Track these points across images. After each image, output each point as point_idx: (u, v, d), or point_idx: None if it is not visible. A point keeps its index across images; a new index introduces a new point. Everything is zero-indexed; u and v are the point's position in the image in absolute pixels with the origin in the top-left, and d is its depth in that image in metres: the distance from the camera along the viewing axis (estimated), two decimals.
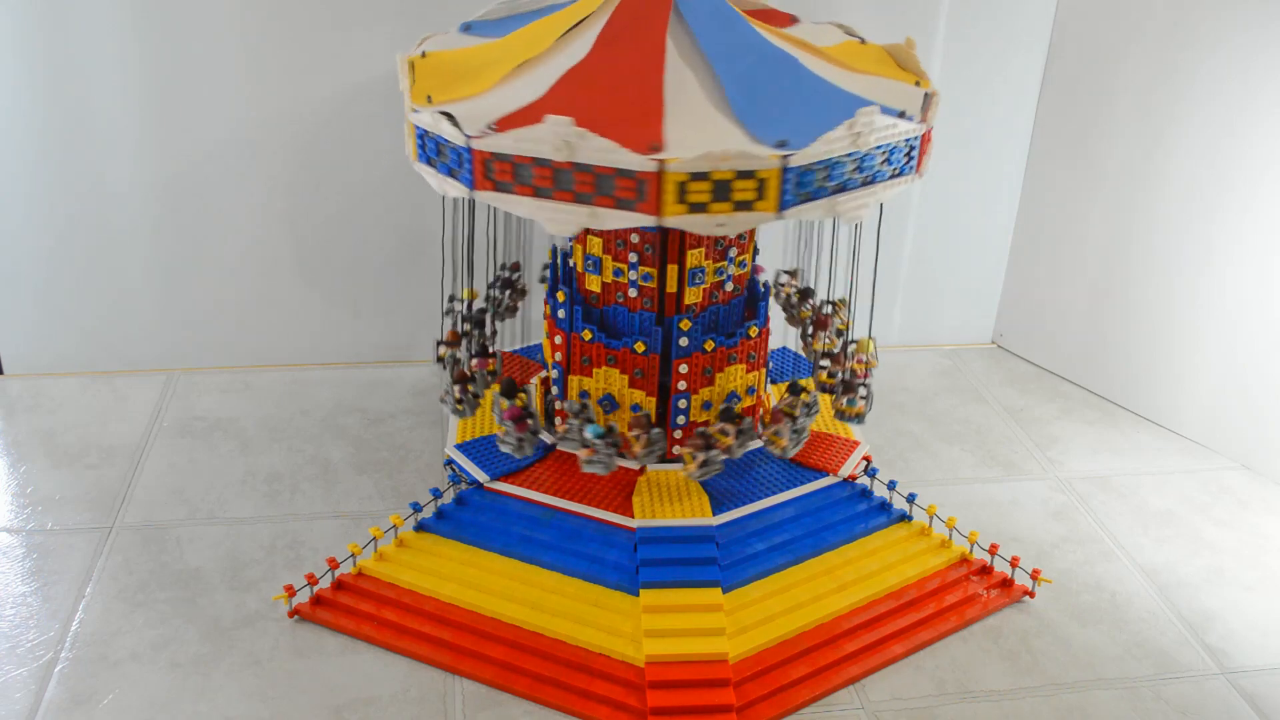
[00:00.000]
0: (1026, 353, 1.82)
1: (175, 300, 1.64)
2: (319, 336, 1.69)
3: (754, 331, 1.28)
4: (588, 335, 1.25)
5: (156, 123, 1.54)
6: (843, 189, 1.07)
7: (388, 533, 1.25)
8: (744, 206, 1.02)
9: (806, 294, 1.46)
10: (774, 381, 1.52)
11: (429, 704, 1.10)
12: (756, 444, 1.34)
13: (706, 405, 1.28)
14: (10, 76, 1.48)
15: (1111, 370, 1.69)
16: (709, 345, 1.25)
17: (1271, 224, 1.46)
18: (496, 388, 1.24)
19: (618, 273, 1.24)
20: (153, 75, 1.51)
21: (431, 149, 1.10)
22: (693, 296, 1.25)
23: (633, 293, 1.24)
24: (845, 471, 1.34)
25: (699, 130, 1.07)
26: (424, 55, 1.23)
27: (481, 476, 1.30)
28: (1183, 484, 1.50)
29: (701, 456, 1.19)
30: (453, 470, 1.33)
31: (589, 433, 1.19)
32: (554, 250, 1.42)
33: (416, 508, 1.27)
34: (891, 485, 1.34)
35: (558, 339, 1.28)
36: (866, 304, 1.28)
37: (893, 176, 1.12)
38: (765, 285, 1.36)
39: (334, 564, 1.21)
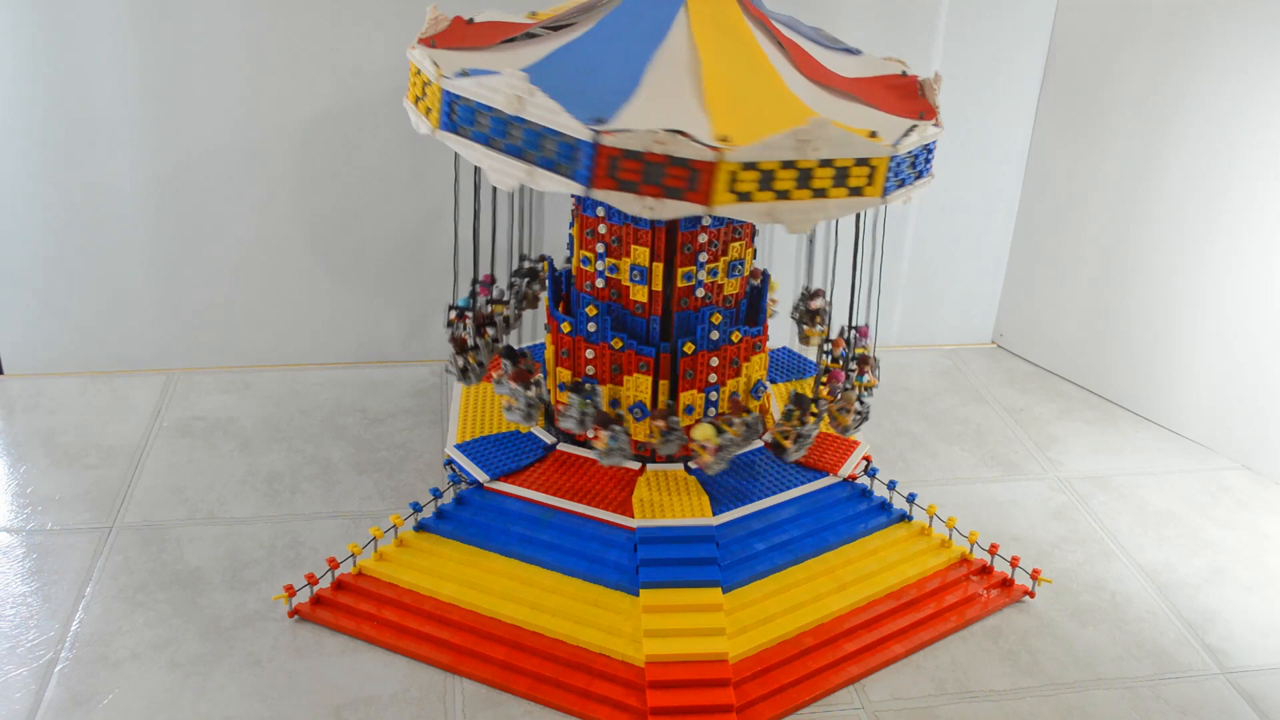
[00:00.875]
0: (1026, 353, 1.82)
1: (175, 300, 1.64)
2: (319, 336, 1.69)
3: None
4: (618, 344, 1.25)
5: (156, 122, 1.54)
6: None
7: (388, 533, 1.25)
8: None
9: (816, 313, 1.46)
10: (773, 381, 1.52)
11: (429, 704, 1.10)
12: (755, 444, 1.34)
13: (734, 395, 1.30)
14: (10, 76, 1.48)
15: (1111, 370, 1.69)
16: (736, 336, 1.26)
17: (1271, 224, 1.47)
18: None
19: (613, 269, 1.25)
20: (152, 75, 1.51)
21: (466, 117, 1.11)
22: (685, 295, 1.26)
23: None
24: (845, 471, 1.34)
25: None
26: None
27: (481, 476, 1.30)
28: (1183, 484, 1.50)
29: (713, 446, 1.19)
30: (453, 470, 1.33)
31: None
32: (549, 262, 1.43)
33: (416, 508, 1.27)
34: (891, 485, 1.34)
35: (589, 353, 1.27)
36: (862, 303, 1.29)
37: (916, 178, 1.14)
38: (765, 276, 1.37)
39: (334, 564, 1.21)
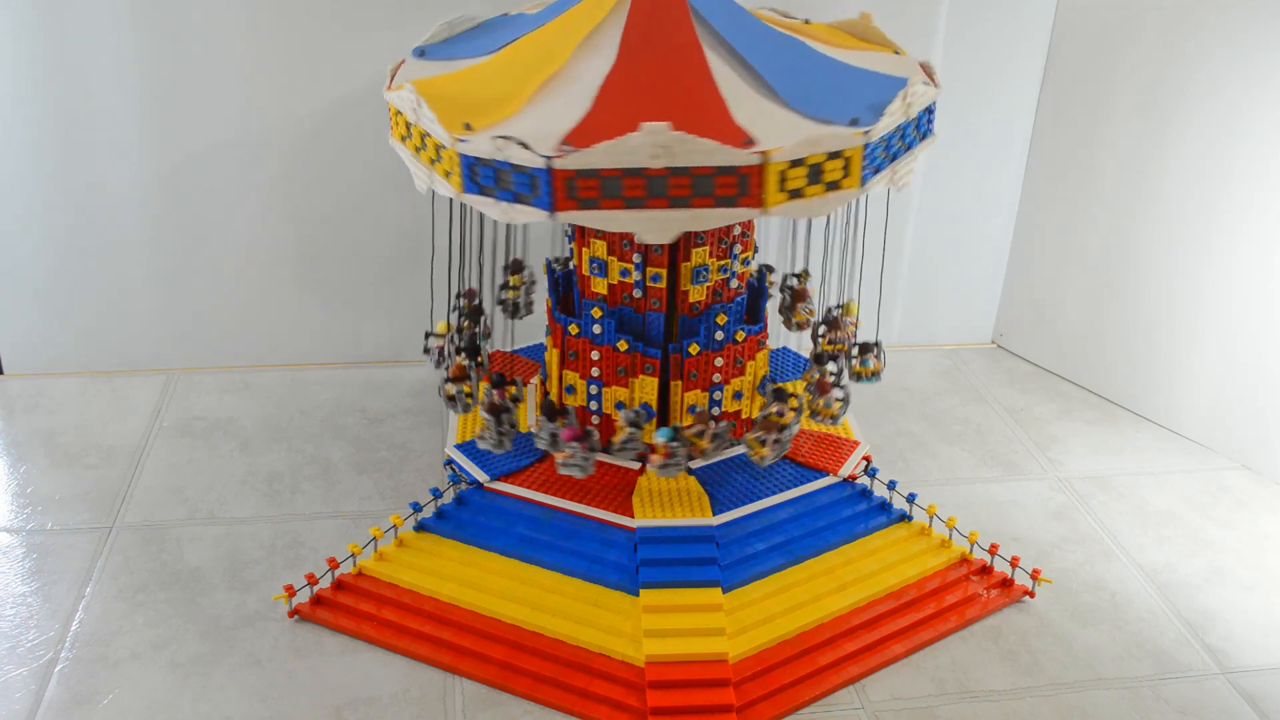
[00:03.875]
0: (1026, 353, 1.82)
1: (175, 300, 1.64)
2: (319, 336, 1.69)
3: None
4: (624, 346, 1.25)
5: (157, 123, 1.54)
6: (894, 157, 1.12)
7: (388, 533, 1.25)
8: (833, 186, 1.06)
9: (801, 295, 1.47)
10: (774, 381, 1.52)
11: (429, 704, 1.10)
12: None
13: (738, 395, 1.30)
14: (10, 76, 1.48)
15: (1111, 370, 1.69)
16: (740, 336, 1.26)
17: (1271, 224, 1.46)
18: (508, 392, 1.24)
19: (624, 273, 1.25)
20: (153, 75, 1.51)
21: (487, 177, 1.04)
22: (696, 295, 1.25)
23: (637, 293, 1.25)
24: (845, 471, 1.34)
25: (769, 121, 1.08)
26: (410, 85, 1.15)
27: (481, 476, 1.30)
28: (1183, 484, 1.50)
29: (772, 438, 1.19)
30: (453, 470, 1.33)
31: (660, 437, 1.19)
32: (548, 263, 1.42)
33: (416, 508, 1.27)
34: (891, 485, 1.34)
35: (595, 354, 1.26)
36: (864, 301, 1.29)
37: (921, 140, 1.18)
38: (761, 278, 1.37)
39: (334, 564, 1.21)
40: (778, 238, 1.66)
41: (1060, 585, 1.29)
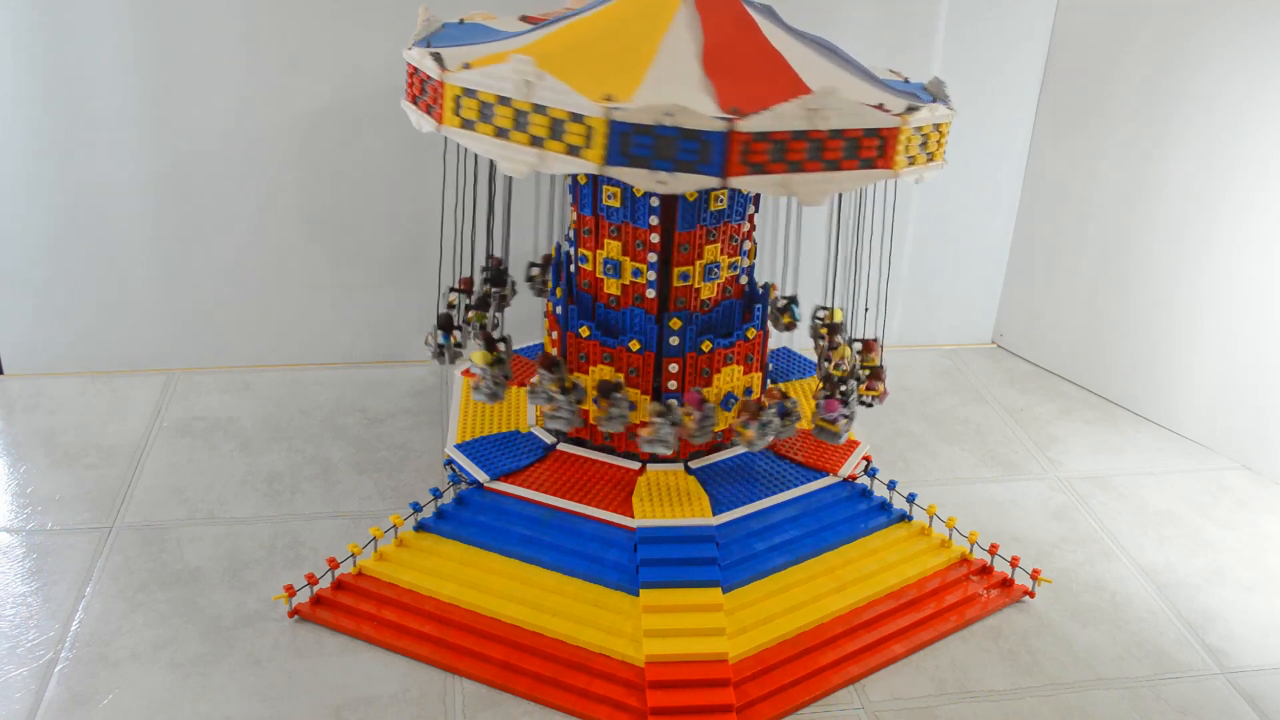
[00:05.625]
0: (1026, 353, 1.82)
1: (175, 300, 1.64)
2: (319, 336, 1.69)
3: (751, 333, 1.28)
4: (707, 346, 1.25)
5: (156, 122, 1.54)
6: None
7: (388, 533, 1.25)
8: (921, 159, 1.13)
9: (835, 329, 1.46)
10: (773, 381, 1.52)
11: (429, 704, 1.10)
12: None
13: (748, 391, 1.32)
14: (10, 75, 1.48)
15: (1111, 370, 1.69)
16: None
17: (1271, 224, 1.47)
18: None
19: (636, 273, 1.24)
20: (152, 74, 1.51)
21: (643, 147, 1.02)
22: (707, 292, 1.26)
23: (650, 293, 1.25)
24: (845, 471, 1.34)
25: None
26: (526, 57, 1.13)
27: (481, 476, 1.30)
28: (1183, 484, 1.50)
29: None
30: (453, 470, 1.33)
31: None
32: (558, 248, 1.42)
33: (416, 508, 1.27)
34: (891, 485, 1.34)
35: (673, 367, 1.25)
36: (857, 302, 1.29)
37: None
38: (763, 288, 1.37)
39: (334, 564, 1.21)
40: (772, 238, 1.66)
41: (1060, 585, 1.29)
